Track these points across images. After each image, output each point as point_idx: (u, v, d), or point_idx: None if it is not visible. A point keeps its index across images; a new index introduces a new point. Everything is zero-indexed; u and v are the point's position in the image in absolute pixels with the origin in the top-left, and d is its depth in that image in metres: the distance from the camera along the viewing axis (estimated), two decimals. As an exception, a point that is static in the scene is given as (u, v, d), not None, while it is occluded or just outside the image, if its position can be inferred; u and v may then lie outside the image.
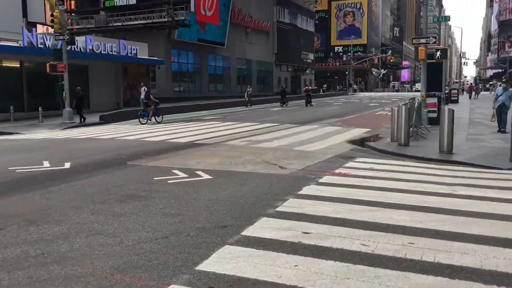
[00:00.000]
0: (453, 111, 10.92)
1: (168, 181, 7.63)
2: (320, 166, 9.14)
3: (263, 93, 53.30)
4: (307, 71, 69.04)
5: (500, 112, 14.85)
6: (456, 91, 37.75)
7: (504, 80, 15.78)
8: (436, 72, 20.00)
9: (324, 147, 12.28)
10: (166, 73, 38.96)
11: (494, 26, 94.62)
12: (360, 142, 13.65)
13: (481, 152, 11.12)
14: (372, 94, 74.10)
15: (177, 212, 5.77)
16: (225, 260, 4.17)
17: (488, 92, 66.26)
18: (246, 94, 37.10)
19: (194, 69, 44.17)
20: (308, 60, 70.07)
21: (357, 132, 16.61)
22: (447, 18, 17.18)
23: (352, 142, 13.76)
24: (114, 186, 7.37)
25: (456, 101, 35.95)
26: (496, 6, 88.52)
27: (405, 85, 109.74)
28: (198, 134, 15.34)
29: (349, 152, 11.46)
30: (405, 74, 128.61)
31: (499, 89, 15.42)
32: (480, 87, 66.85)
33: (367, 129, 17.52)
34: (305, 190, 6.85)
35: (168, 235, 4.91)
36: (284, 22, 60.95)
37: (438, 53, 17.49)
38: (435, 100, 18.39)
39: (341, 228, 5.02)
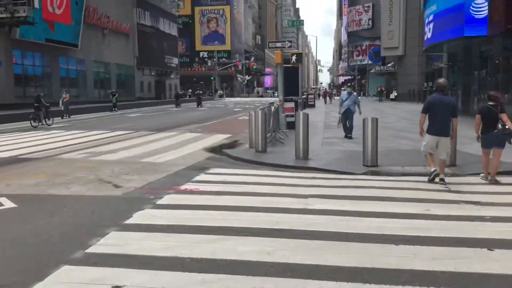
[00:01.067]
0: (307, 115, 10.51)
1: (-50, 216, 5.65)
2: (164, 182, 7.84)
3: (124, 98, 50.26)
4: (172, 76, 67.27)
5: (346, 118, 14.30)
6: (312, 96, 39.55)
7: (348, 84, 15.61)
8: (293, 77, 20.13)
9: (177, 157, 11.03)
10: (6, 76, 34.06)
11: (344, 37, 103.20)
12: (218, 149, 12.69)
13: (336, 157, 10.91)
14: (238, 99, 75.11)
15: None
16: None
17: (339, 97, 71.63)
18: (61, 101, 29.21)
19: (42, 72, 39.52)
20: (172, 65, 68.32)
21: (217, 139, 15.71)
22: (301, 22, 17.28)
23: (210, 150, 12.75)
24: None
25: (313, 106, 37.59)
26: (345, 19, 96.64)
27: (269, 91, 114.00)
28: (29, 146, 12.92)
29: (204, 162, 10.38)
30: (268, 80, 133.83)
31: (344, 94, 14.82)
32: (333, 92, 71.95)
33: (228, 135, 16.75)
34: (136, 218, 5.49)
35: None
36: (146, 24, 58.44)
37: (294, 58, 17.49)
38: (292, 104, 18.39)
39: (169, 273, 3.78)
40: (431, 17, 24.62)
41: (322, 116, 25.94)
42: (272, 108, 13.93)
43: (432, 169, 7.79)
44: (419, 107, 34.18)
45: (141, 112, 35.93)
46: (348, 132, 14.32)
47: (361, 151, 9.82)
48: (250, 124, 12.24)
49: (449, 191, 7.26)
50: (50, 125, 21.46)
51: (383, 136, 14.12)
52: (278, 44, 17.11)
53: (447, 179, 8.24)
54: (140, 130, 18.43)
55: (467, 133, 12.21)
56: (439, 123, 7.59)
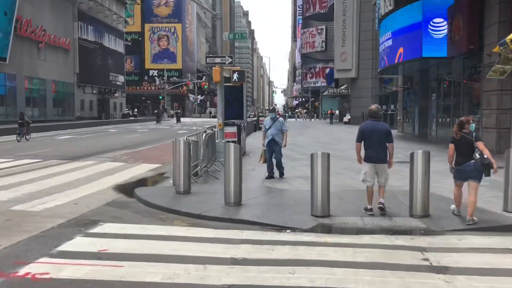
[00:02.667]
0: (239, 148, 8.07)
1: None
2: (6, 256, 5.10)
3: (62, 118, 46.42)
4: (117, 94, 63.55)
5: (271, 151, 10.87)
6: (263, 119, 37.45)
7: (271, 108, 12.37)
8: (237, 97, 17.83)
9: (68, 202, 8.29)
10: None
11: (298, 59, 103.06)
12: (132, 188, 9.99)
13: (277, 201, 8.49)
14: (188, 119, 72.14)
15: None
16: None
17: (294, 119, 70.31)
18: None
19: (-38, 88, 35.38)
20: (118, 83, 64.71)
21: (140, 171, 13.02)
22: (243, 36, 15.00)
23: (121, 188, 10.06)
24: None
25: (264, 128, 35.51)
26: (299, 41, 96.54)
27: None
28: None
29: (100, 211, 7.69)
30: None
31: (267, 120, 11.20)
32: (287, 114, 70.57)
33: (157, 165, 14.12)
34: None
35: None
36: (88, 40, 54.87)
37: (236, 76, 15.15)
38: (234, 129, 16.01)
39: None
40: (386, 37, 23.19)
41: (271, 140, 23.68)
42: (203, 135, 11.34)
43: (369, 207, 7.43)
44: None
45: (75, 133, 32.44)
46: (270, 170, 10.88)
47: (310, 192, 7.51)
48: (174, 155, 9.69)
49: (430, 267, 4.98)
50: (28, 140, 24.05)
51: (338, 168, 11.92)
52: (217, 60, 14.71)
53: (421, 239, 6.12)
54: (53, 158, 15.42)
55: (435, 166, 10.23)
56: (374, 150, 7.38)
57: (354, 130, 33.16)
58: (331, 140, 23.45)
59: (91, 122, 47.01)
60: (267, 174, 10.94)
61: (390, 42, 22.31)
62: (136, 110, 69.35)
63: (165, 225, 6.72)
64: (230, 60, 14.80)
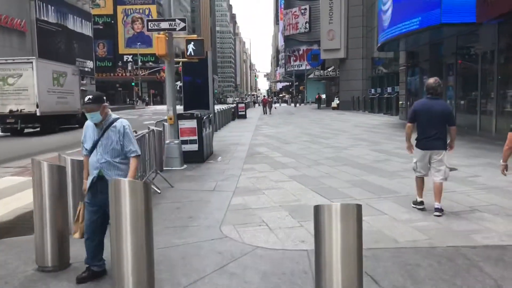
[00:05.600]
0: (148, 190, 3.45)
1: None
2: None
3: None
4: (84, 81, 58.11)
5: (98, 205, 4.16)
6: (243, 105, 32.87)
7: (87, 99, 4.20)
8: (200, 79, 13.36)
9: None
10: None
11: (281, 42, 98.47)
12: (-15, 241, 5.47)
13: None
14: (164, 107, 67.31)
15: None
16: None
17: (278, 104, 65.89)
18: None
19: None
20: (86, 69, 59.34)
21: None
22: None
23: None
24: None
25: (244, 117, 31.03)
26: (281, 23, 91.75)
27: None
28: None
29: None
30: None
31: (88, 130, 4.39)
32: (274, 100, 65.92)
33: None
34: None
35: None
36: (49, 21, 49.44)
37: (191, 47, 10.58)
38: (193, 123, 11.47)
39: None
40: (387, 2, 18.80)
41: (250, 134, 19.21)
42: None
43: (419, 200, 6.14)
44: (370, 118, 27.34)
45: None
46: (91, 255, 4.15)
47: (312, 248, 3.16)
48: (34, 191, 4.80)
49: None
50: None
51: (347, 187, 7.46)
52: (164, 25, 10.12)
53: None
54: None
55: (480, 172, 5.97)
56: (427, 134, 5.93)
57: (348, 118, 28.63)
58: (324, 132, 19.07)
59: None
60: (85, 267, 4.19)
61: (394, 8, 17.88)
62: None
63: None
64: (183, 25, 10.26)
